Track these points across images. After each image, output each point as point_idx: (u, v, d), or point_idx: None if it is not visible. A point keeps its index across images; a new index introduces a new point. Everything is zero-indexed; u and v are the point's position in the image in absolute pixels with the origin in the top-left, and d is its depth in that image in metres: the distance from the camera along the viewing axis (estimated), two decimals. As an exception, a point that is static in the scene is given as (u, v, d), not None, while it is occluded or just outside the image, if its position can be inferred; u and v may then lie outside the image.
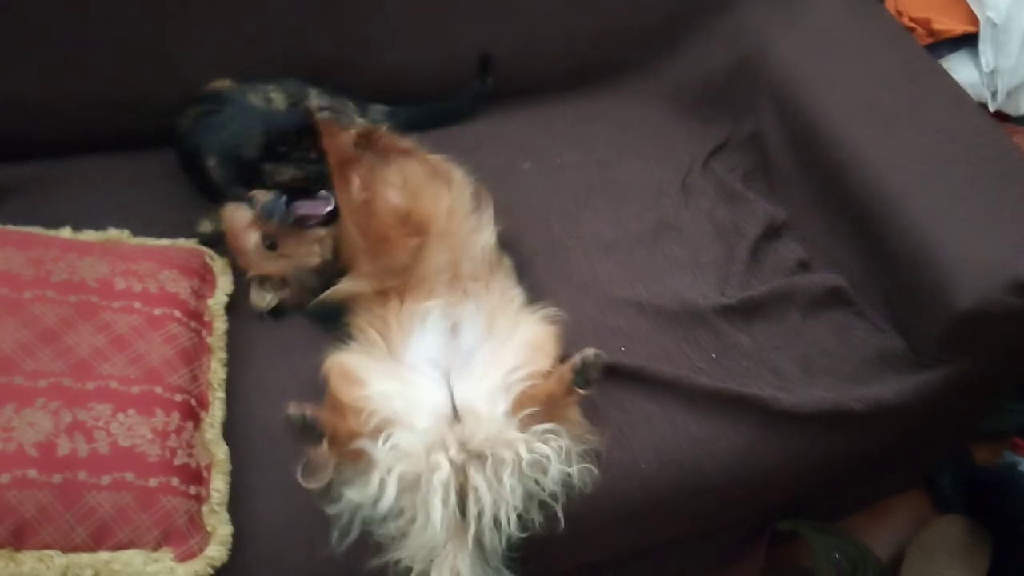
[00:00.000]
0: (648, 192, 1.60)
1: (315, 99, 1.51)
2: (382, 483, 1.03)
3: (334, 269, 1.31)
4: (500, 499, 1.07)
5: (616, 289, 1.42)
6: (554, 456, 1.08)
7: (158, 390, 1.03)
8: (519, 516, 1.07)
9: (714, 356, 1.34)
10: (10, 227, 1.20)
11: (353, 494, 1.05)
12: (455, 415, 1.11)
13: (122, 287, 1.10)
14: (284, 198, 1.25)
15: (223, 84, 1.48)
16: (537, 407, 1.09)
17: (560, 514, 1.09)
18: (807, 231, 1.54)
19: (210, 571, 0.99)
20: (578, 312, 1.32)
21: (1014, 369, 1.58)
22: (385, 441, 1.06)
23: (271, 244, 1.27)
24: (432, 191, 1.29)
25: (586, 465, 1.12)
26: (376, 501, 1.03)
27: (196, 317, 1.16)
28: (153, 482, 0.98)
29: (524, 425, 1.09)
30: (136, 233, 1.31)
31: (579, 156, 1.65)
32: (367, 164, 1.26)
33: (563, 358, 1.16)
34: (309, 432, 1.03)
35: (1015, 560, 1.73)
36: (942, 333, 1.33)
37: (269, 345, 1.26)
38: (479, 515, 1.06)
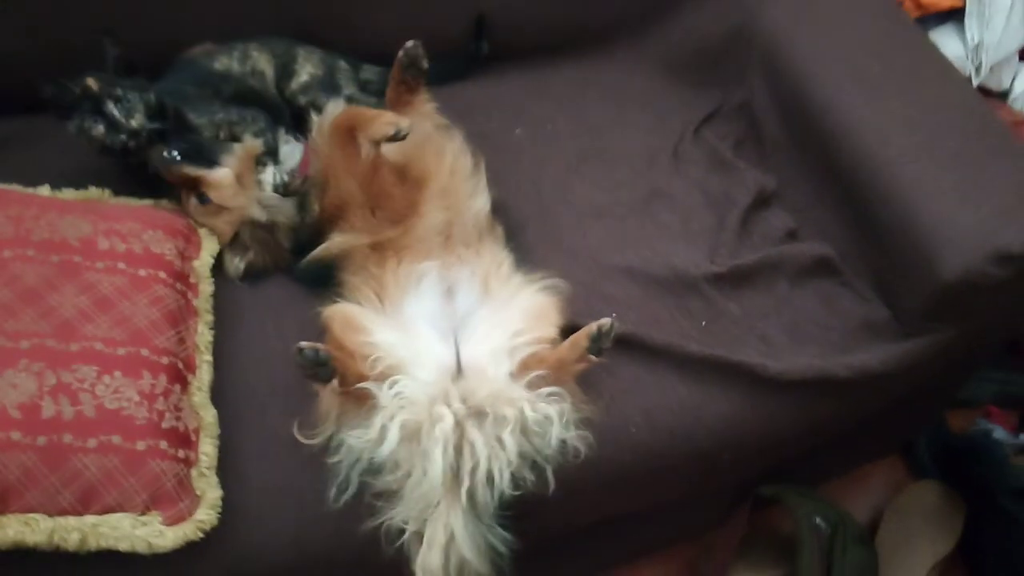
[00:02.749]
0: (639, 159, 1.59)
1: (302, 55, 1.47)
2: (384, 429, 1.04)
3: (306, 225, 1.29)
4: (496, 456, 1.07)
5: (607, 256, 1.41)
6: (556, 418, 1.08)
7: (144, 352, 1.01)
8: (511, 475, 1.07)
9: (704, 323, 1.35)
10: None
11: (353, 440, 1.05)
12: (459, 370, 1.10)
13: (105, 247, 1.07)
14: (167, 148, 1.23)
15: (203, 48, 1.43)
16: (546, 370, 1.09)
17: (550, 477, 1.09)
18: (796, 200, 1.54)
19: (200, 535, 0.98)
20: (569, 278, 1.30)
21: (992, 338, 1.60)
22: (391, 387, 1.05)
23: (201, 196, 1.25)
24: (435, 147, 1.28)
25: (581, 432, 1.12)
26: (376, 447, 1.03)
27: (182, 279, 1.13)
28: (141, 445, 0.96)
29: (529, 386, 1.09)
30: (118, 194, 1.28)
31: (571, 122, 1.63)
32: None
33: (565, 328, 1.17)
34: (321, 368, 1.03)
35: (988, 524, 1.77)
36: (927, 302, 1.34)
37: (256, 308, 1.24)
38: (473, 470, 1.06)
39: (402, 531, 1.06)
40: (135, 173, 1.30)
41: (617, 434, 1.22)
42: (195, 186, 1.24)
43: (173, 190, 1.30)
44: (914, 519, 1.86)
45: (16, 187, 1.17)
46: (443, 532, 1.06)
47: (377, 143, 1.21)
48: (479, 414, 1.08)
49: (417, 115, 1.33)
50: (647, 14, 1.78)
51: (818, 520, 1.71)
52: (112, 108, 1.20)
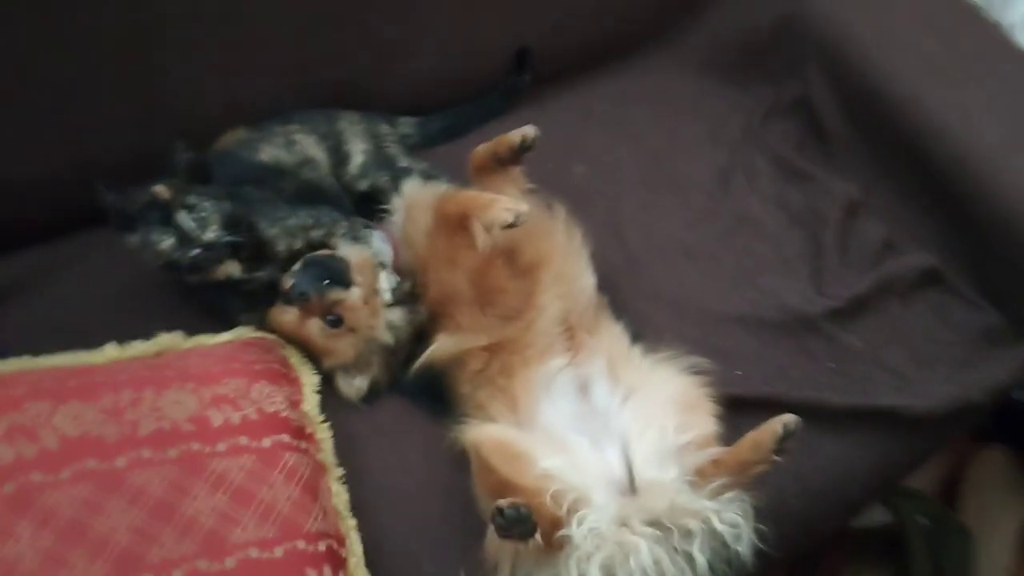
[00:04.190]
0: (711, 182, 1.49)
1: (347, 130, 1.31)
2: (581, 574, 0.94)
3: (418, 327, 1.17)
4: (684, 573, 0.98)
5: (711, 303, 1.32)
6: (744, 525, 1.00)
7: (301, 545, 0.88)
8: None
9: (832, 365, 1.27)
10: (47, 359, 0.99)
11: None
12: (631, 484, 1.00)
13: (219, 422, 0.93)
14: (301, 267, 1.10)
15: (235, 136, 1.25)
16: (728, 476, 1.00)
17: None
18: (881, 205, 1.47)
19: None
20: (680, 337, 1.21)
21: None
22: (579, 523, 0.95)
23: (334, 321, 1.10)
24: (543, 227, 1.16)
25: (759, 525, 1.04)
26: None
27: (302, 435, 1.00)
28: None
29: (710, 494, 1.00)
30: (170, 320, 1.12)
31: (630, 148, 1.52)
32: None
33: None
34: (523, 525, 0.92)
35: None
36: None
37: (371, 440, 1.11)
38: None
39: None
40: (194, 293, 1.15)
41: (777, 510, 1.14)
42: (328, 310, 1.09)
43: (234, 310, 1.15)
44: (990, 491, 1.86)
45: (81, 355, 1.00)
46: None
47: (492, 232, 1.07)
48: (662, 530, 0.99)
49: (507, 184, 1.19)
50: (681, 13, 1.66)
51: (919, 518, 1.70)
52: (184, 218, 1.04)
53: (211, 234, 1.05)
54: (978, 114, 1.38)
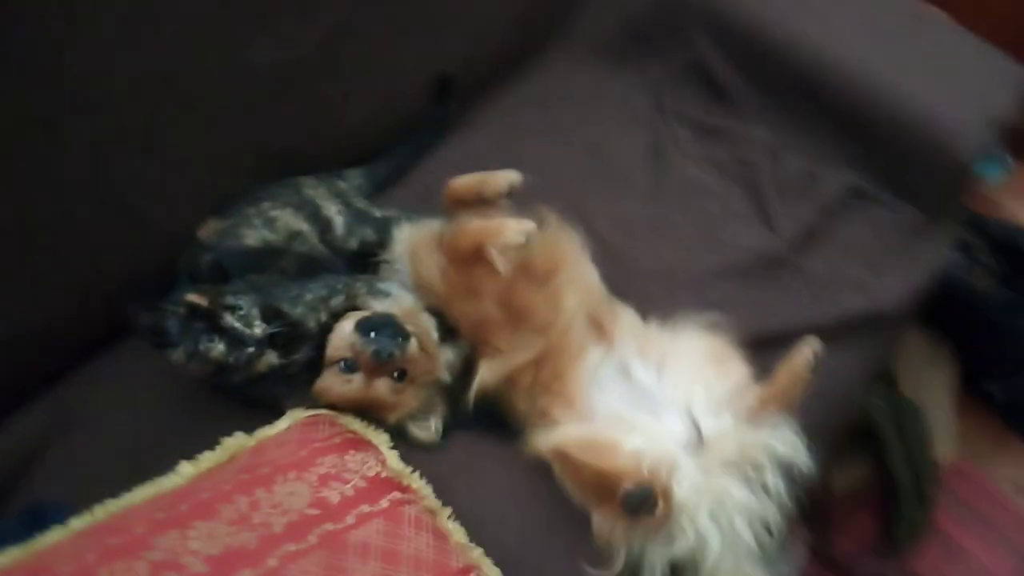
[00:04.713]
0: (644, 158, 1.61)
1: (315, 195, 1.33)
2: (699, 527, 1.04)
3: (466, 358, 1.22)
4: (769, 502, 1.11)
5: (690, 265, 1.45)
6: (799, 440, 1.13)
7: (455, 585, 0.93)
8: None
9: (805, 290, 1.43)
10: (132, 495, 0.98)
11: (668, 550, 1.05)
12: (700, 439, 1.11)
13: (337, 499, 0.96)
14: (361, 333, 1.10)
15: (210, 228, 1.26)
16: (774, 407, 1.12)
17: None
18: (793, 143, 1.64)
19: None
20: (676, 304, 1.32)
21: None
22: (679, 485, 1.04)
23: (400, 375, 1.14)
24: (546, 236, 1.23)
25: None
26: (703, 546, 1.05)
27: (405, 488, 1.04)
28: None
29: (766, 426, 1.12)
30: (211, 423, 1.12)
31: (563, 147, 1.61)
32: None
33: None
34: (648, 500, 1.01)
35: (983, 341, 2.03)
36: (952, 188, 1.52)
37: (456, 477, 1.14)
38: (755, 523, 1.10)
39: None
40: (234, 391, 1.15)
41: (808, 424, 1.29)
42: (396, 367, 1.11)
43: (279, 397, 1.17)
44: (920, 367, 2.09)
45: (161, 481, 1.00)
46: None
47: (508, 255, 1.14)
48: (738, 470, 1.10)
49: (491, 210, 1.26)
50: (567, 7, 1.77)
51: (878, 401, 1.91)
52: (232, 321, 1.04)
53: (258, 330, 1.06)
54: (853, 40, 1.58)
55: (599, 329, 1.24)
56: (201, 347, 1.03)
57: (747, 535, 1.07)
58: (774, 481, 1.12)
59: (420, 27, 1.50)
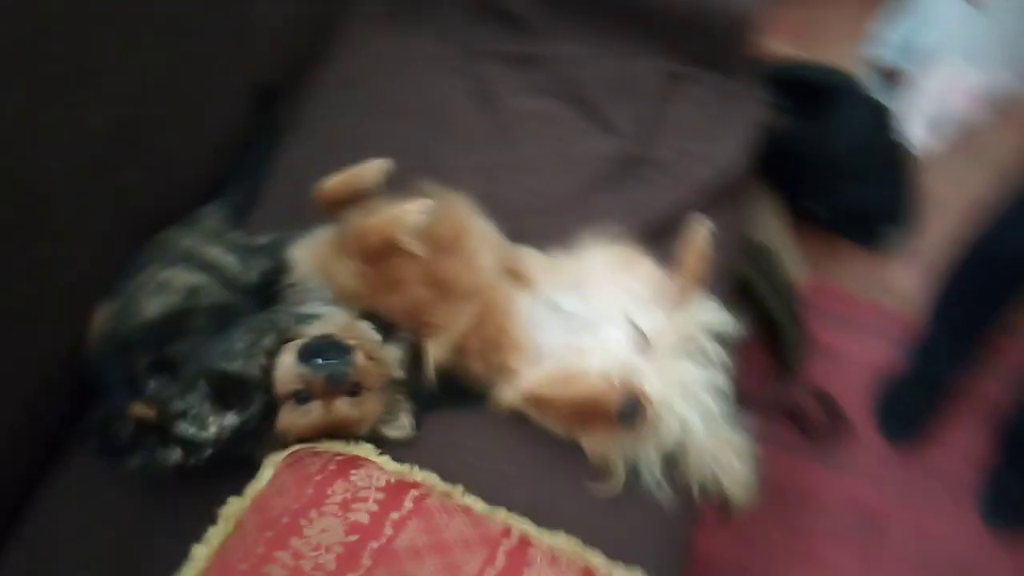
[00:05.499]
0: (478, 106, 1.65)
1: (190, 244, 1.29)
2: (678, 415, 1.16)
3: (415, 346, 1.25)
4: (715, 371, 1.25)
5: (558, 190, 1.52)
6: (720, 308, 1.27)
7: (506, 544, 0.99)
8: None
9: (664, 176, 1.56)
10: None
11: (658, 445, 1.17)
12: (644, 339, 1.22)
13: (367, 518, 0.97)
14: (305, 361, 1.10)
15: (105, 313, 1.19)
16: (692, 287, 1.25)
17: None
18: (598, 51, 1.74)
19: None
20: (565, 228, 1.39)
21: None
22: (649, 384, 1.15)
23: (353, 390, 1.14)
24: (441, 203, 1.26)
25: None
26: (688, 430, 1.17)
27: (416, 485, 1.07)
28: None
29: (691, 309, 1.25)
30: (191, 499, 1.10)
31: (398, 121, 1.61)
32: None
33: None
34: (639, 409, 1.11)
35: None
36: (738, 43, 1.69)
37: (446, 457, 1.19)
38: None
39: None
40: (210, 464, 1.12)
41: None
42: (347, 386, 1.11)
43: (248, 451, 1.15)
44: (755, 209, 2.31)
45: (197, 563, 0.97)
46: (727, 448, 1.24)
47: (417, 237, 1.17)
48: (686, 355, 1.23)
49: (370, 202, 1.27)
50: None
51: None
52: (185, 428, 1.01)
53: (213, 429, 1.03)
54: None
55: (516, 276, 1.30)
56: (157, 458, 1.00)
57: (713, 405, 1.19)
58: (714, 350, 1.25)
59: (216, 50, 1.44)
